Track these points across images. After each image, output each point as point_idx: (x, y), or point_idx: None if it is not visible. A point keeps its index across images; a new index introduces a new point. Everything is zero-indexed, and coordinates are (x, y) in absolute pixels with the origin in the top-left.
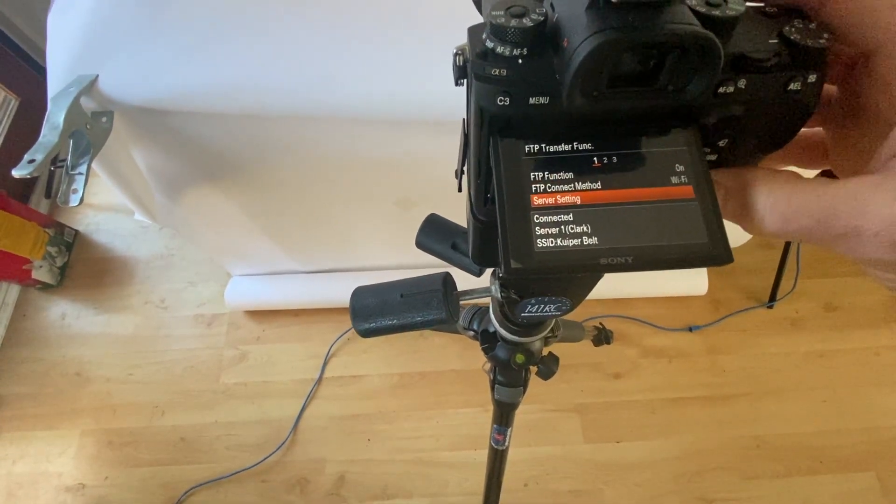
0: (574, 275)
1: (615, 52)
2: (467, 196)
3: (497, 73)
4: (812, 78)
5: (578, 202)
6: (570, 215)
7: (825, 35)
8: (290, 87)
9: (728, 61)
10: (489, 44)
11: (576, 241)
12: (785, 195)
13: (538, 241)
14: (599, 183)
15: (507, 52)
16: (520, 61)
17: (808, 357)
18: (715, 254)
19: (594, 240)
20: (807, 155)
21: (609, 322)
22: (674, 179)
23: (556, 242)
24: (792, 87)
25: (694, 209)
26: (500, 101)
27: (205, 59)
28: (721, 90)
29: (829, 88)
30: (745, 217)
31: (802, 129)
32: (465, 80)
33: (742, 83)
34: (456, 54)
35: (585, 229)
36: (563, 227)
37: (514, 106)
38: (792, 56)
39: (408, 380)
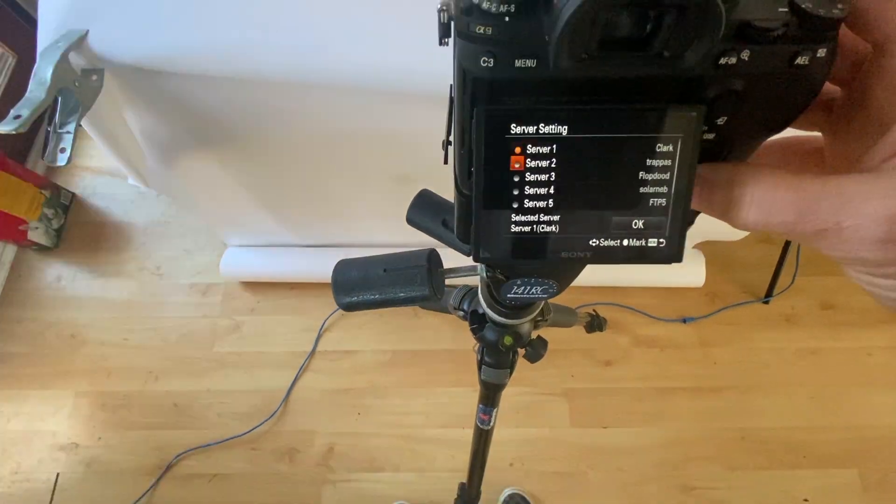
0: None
1: (607, 7)
2: (452, 168)
3: (482, 31)
4: (822, 52)
5: (554, 194)
6: (544, 208)
7: (840, 5)
8: (286, 51)
9: (732, 29)
10: None
11: (543, 234)
12: (770, 188)
13: (509, 231)
14: (580, 173)
15: (494, 9)
16: (507, 19)
17: (799, 353)
18: (667, 254)
19: (560, 233)
20: (804, 161)
21: (603, 309)
22: (656, 175)
23: (525, 234)
24: (799, 61)
25: (664, 208)
26: (484, 62)
27: (199, 18)
28: (722, 61)
29: (833, 90)
30: (731, 211)
31: (801, 134)
32: (450, 40)
33: (746, 54)
34: (440, 10)
35: (555, 222)
36: (535, 219)
37: (498, 68)
38: (802, 27)
39: (400, 357)
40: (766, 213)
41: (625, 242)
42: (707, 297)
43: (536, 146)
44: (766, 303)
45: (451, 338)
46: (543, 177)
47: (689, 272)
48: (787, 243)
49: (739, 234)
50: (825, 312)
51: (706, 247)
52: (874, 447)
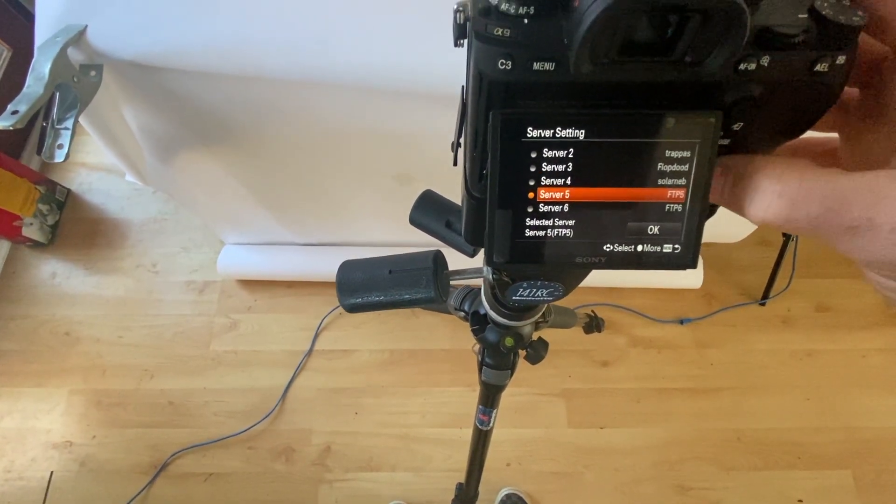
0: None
1: (630, 13)
2: (462, 170)
3: (500, 33)
4: (841, 60)
5: (570, 199)
6: (559, 213)
7: (859, 13)
8: (286, 48)
9: (752, 35)
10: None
11: (557, 239)
12: (796, 179)
13: (523, 235)
14: (595, 179)
15: (513, 10)
16: (526, 21)
17: (795, 355)
18: (682, 259)
19: (575, 238)
20: (819, 163)
21: (601, 310)
22: (672, 181)
23: (539, 238)
24: (818, 68)
25: (679, 215)
26: (502, 64)
27: (199, 14)
28: (741, 67)
29: (850, 91)
30: (752, 202)
31: (812, 136)
32: (466, 41)
33: (765, 60)
34: (457, 11)
35: (569, 228)
36: (549, 224)
37: (516, 71)
38: (821, 33)
39: (398, 356)
40: (791, 206)
41: (639, 248)
42: (704, 298)
43: (553, 150)
44: (763, 305)
45: (450, 337)
46: (559, 181)
47: (687, 274)
48: (784, 246)
49: (737, 237)
50: (821, 315)
51: (704, 249)
52: (868, 448)
